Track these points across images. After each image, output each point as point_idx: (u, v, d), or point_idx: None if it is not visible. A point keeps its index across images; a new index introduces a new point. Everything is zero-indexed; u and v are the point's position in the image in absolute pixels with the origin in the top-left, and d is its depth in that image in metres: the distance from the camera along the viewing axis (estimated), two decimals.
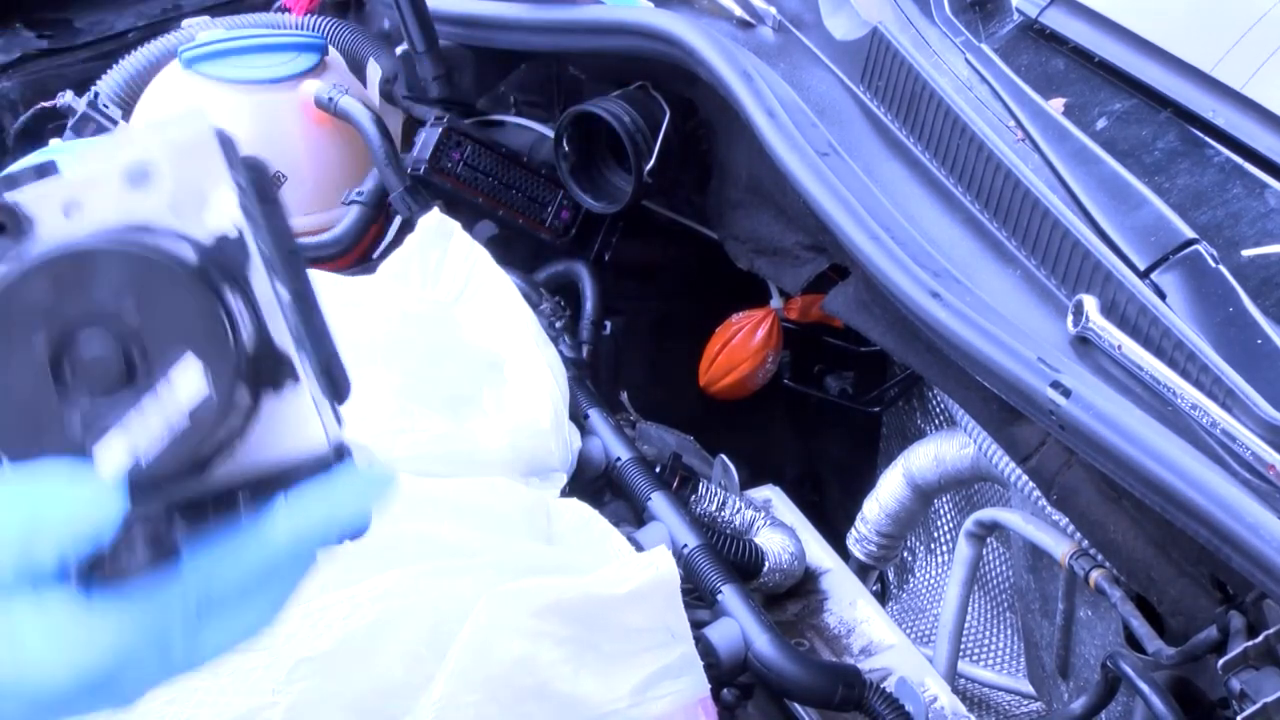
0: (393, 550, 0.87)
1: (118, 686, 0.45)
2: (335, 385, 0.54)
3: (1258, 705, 0.83)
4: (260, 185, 0.48)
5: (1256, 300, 0.95)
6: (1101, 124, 1.17)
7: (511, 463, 1.07)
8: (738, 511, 1.36)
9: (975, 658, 1.71)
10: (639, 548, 1.03)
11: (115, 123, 1.77)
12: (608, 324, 1.71)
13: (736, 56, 1.33)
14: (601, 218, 1.70)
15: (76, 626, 0.43)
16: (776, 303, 1.78)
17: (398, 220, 1.73)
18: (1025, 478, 1.17)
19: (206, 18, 2.00)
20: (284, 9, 2.01)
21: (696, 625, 0.99)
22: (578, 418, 1.25)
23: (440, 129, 1.61)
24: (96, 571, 0.43)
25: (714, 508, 1.35)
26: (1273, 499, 0.83)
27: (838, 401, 1.88)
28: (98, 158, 0.46)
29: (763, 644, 1.03)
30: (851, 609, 1.32)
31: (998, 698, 1.62)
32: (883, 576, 1.84)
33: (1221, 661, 0.87)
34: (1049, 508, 1.17)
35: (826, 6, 1.42)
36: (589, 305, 1.63)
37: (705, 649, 0.99)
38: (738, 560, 1.26)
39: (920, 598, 1.86)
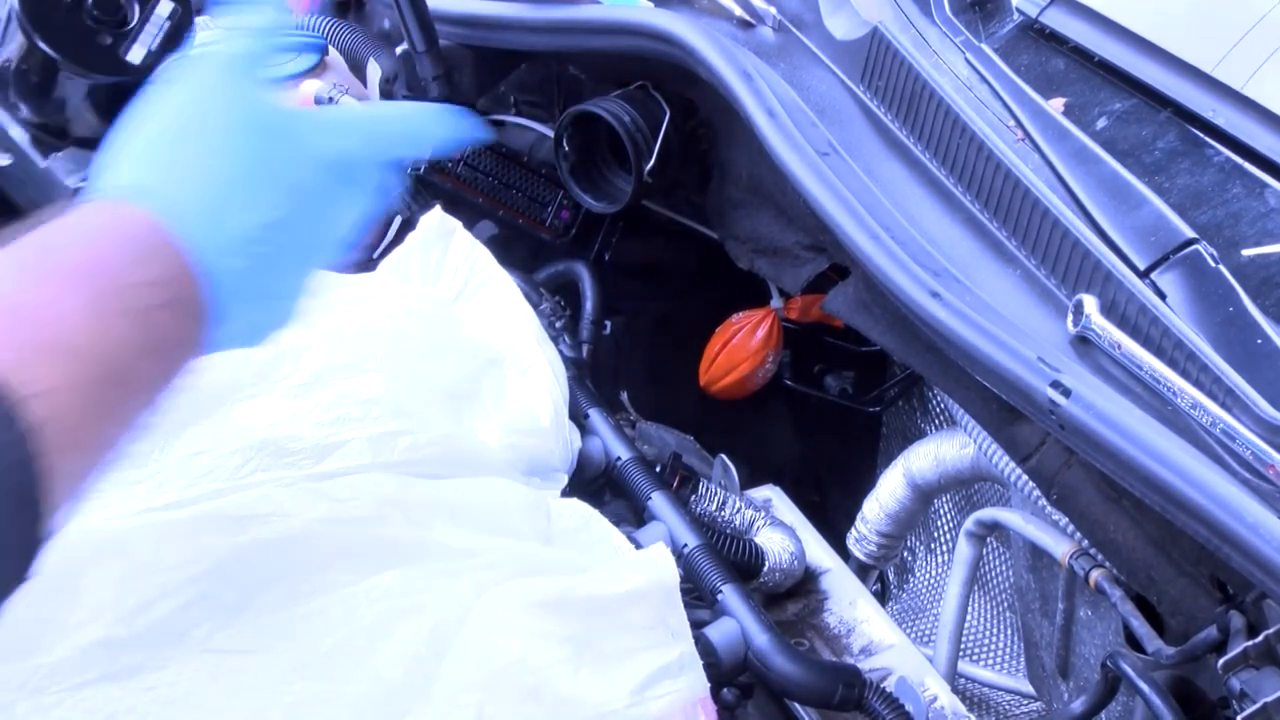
0: (392, 550, 0.87)
1: None
2: None
3: (1258, 705, 0.83)
4: None
5: (1256, 300, 0.95)
6: (1101, 124, 1.17)
7: (511, 462, 1.07)
8: (738, 511, 1.36)
9: (975, 658, 1.71)
10: (639, 547, 1.03)
11: None
12: (608, 324, 1.71)
13: (736, 56, 1.33)
14: (601, 218, 1.70)
15: None
16: (776, 303, 1.78)
17: (398, 220, 1.73)
18: (1025, 478, 1.18)
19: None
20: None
21: (696, 625, 0.99)
22: (578, 417, 1.25)
23: None
24: None
25: (714, 507, 1.35)
26: (1273, 499, 0.83)
27: (838, 401, 1.88)
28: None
29: (763, 644, 1.03)
30: (851, 609, 1.32)
31: (998, 698, 1.62)
32: (883, 576, 1.84)
33: (1221, 661, 0.87)
34: (1049, 507, 1.17)
35: (826, 6, 1.42)
36: (589, 305, 1.63)
37: (705, 648, 0.99)
38: (738, 560, 1.26)
39: (920, 598, 1.86)
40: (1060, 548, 1.22)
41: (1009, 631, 1.72)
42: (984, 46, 1.30)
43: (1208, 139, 1.11)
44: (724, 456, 1.51)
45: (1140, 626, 1.08)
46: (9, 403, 0.50)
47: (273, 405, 0.96)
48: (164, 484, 0.89)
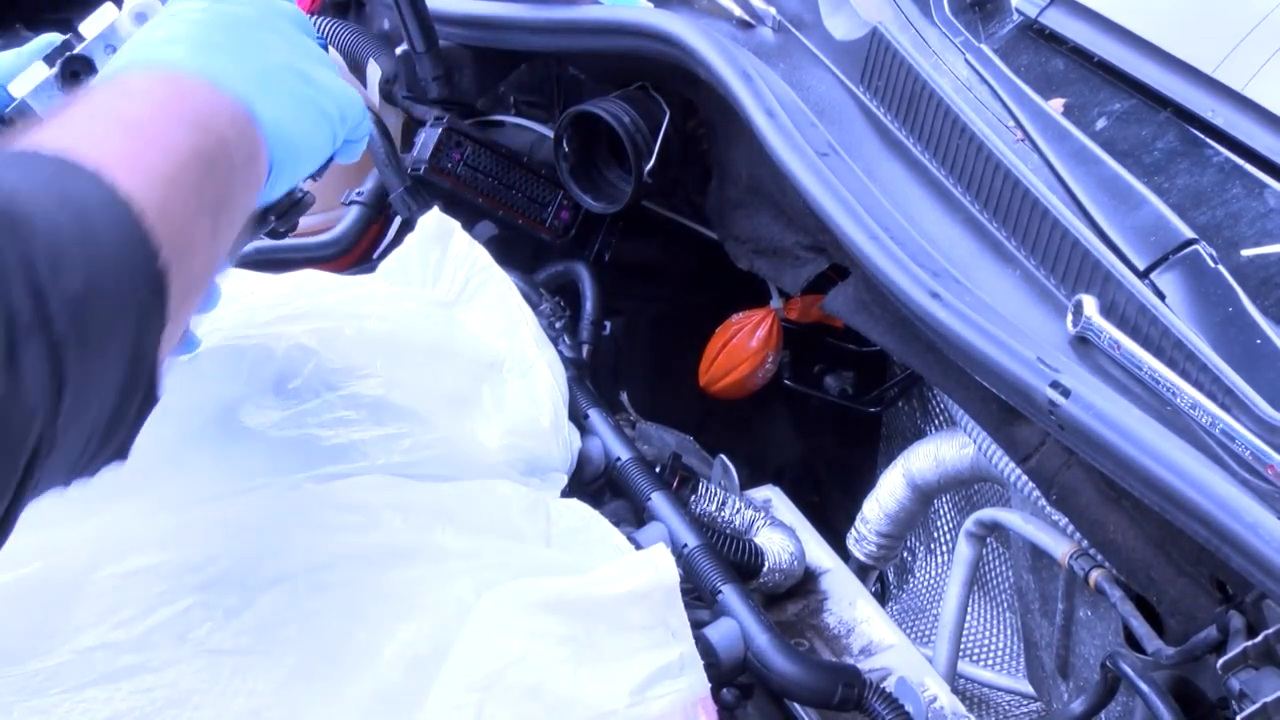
0: (392, 552, 0.87)
1: None
2: None
3: (1257, 705, 0.83)
4: None
5: (1256, 300, 0.95)
6: (1101, 124, 1.17)
7: (511, 463, 1.07)
8: (737, 511, 1.36)
9: (975, 658, 1.71)
10: (639, 548, 1.03)
11: None
12: (608, 324, 1.71)
13: (736, 56, 1.33)
14: (601, 218, 1.70)
15: None
16: (776, 303, 1.78)
17: (397, 220, 1.74)
18: (1025, 478, 1.18)
19: None
20: None
21: (696, 625, 0.99)
22: (578, 418, 1.25)
23: (440, 129, 1.61)
24: None
25: (714, 508, 1.35)
26: (1272, 499, 0.83)
27: (838, 401, 1.88)
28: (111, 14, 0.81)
29: (762, 644, 1.03)
30: (851, 609, 1.32)
31: (998, 698, 1.62)
32: (883, 576, 1.84)
33: (1221, 661, 0.87)
34: (1049, 508, 1.17)
35: (826, 7, 1.42)
36: (589, 305, 1.63)
37: (705, 649, 0.99)
38: (737, 560, 1.26)
39: (920, 598, 1.86)
40: (1060, 548, 1.22)
41: (1009, 632, 1.72)
42: (983, 47, 1.30)
43: (1207, 139, 1.11)
44: (724, 457, 1.51)
45: (1140, 626, 1.08)
46: (129, 208, 0.56)
47: (273, 408, 0.96)
48: (165, 486, 0.89)
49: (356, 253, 1.73)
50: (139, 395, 0.59)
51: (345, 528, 0.88)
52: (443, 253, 1.28)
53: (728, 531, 1.31)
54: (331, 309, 1.06)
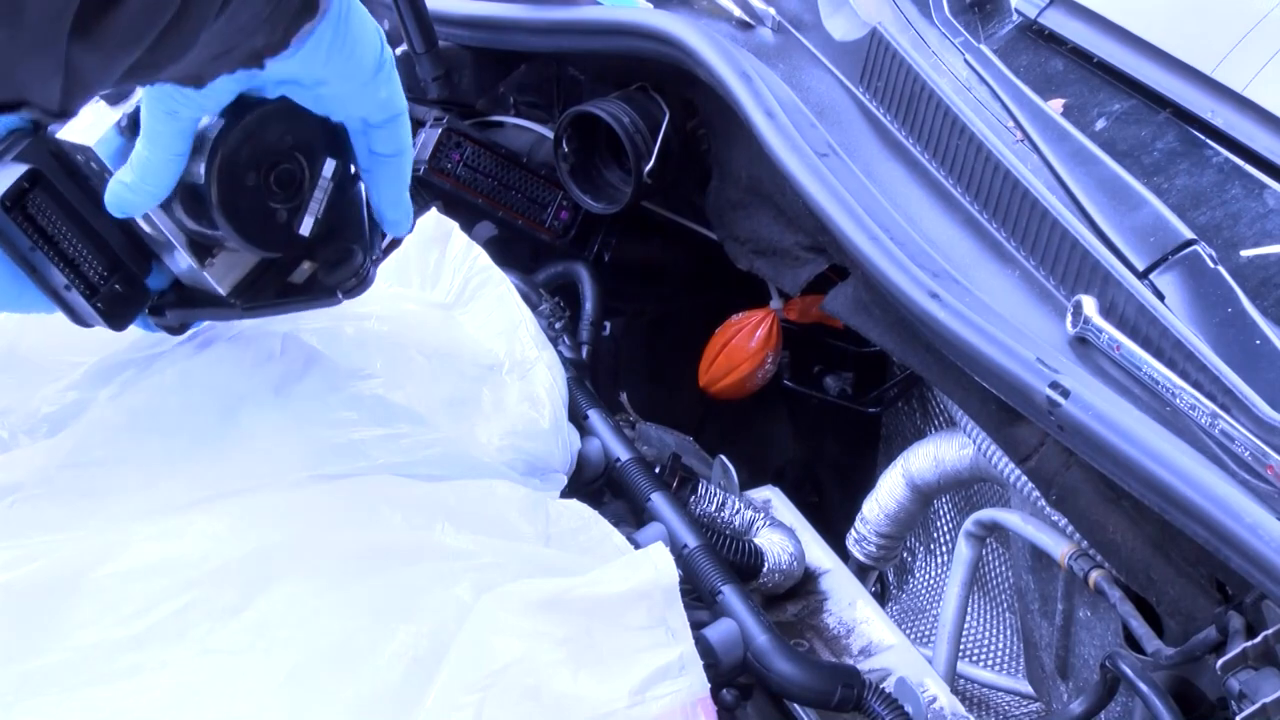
0: (392, 552, 0.87)
1: None
2: None
3: (1256, 705, 0.83)
4: None
5: (1255, 301, 0.95)
6: (1100, 124, 1.17)
7: (511, 464, 1.07)
8: (737, 512, 1.36)
9: (975, 658, 1.71)
10: (638, 548, 1.02)
11: None
12: (607, 324, 1.71)
13: (735, 57, 1.33)
14: (601, 218, 1.70)
15: None
16: (776, 303, 1.78)
17: None
18: (1024, 478, 1.18)
19: None
20: None
21: (696, 625, 0.99)
22: (577, 418, 1.25)
23: (440, 130, 1.61)
24: None
25: (713, 508, 1.35)
26: (1272, 499, 0.83)
27: (837, 402, 1.88)
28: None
29: (762, 644, 1.03)
30: (851, 609, 1.32)
31: (997, 698, 1.62)
32: (882, 577, 1.84)
33: (1220, 662, 0.87)
34: (1048, 508, 1.17)
35: (826, 7, 1.42)
36: (588, 306, 1.63)
37: (704, 649, 0.99)
38: (737, 561, 1.26)
39: (920, 598, 1.86)
40: (1059, 548, 1.22)
41: (1008, 632, 1.72)
42: (983, 47, 1.30)
43: (1207, 140, 1.11)
44: (723, 457, 1.51)
45: (1139, 627, 1.08)
46: None
47: (273, 408, 0.96)
48: (165, 486, 0.89)
49: None
50: None
51: (345, 527, 0.88)
52: (441, 254, 1.28)
53: (727, 532, 1.31)
54: (331, 310, 1.06)
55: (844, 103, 1.33)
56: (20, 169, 0.80)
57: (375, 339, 1.06)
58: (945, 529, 1.85)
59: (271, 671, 0.78)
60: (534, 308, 1.37)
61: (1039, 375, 0.95)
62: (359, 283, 0.92)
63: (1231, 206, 1.04)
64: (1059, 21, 1.28)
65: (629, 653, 0.82)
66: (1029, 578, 1.45)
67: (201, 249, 0.86)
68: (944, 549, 1.85)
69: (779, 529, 1.35)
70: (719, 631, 1.03)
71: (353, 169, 0.88)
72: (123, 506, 0.86)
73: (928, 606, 1.83)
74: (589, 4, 1.56)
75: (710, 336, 1.78)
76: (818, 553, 1.38)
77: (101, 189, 0.81)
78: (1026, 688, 1.58)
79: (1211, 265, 0.98)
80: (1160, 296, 0.98)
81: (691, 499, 1.34)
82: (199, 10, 0.55)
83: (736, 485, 1.48)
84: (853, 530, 1.62)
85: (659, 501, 1.19)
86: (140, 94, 0.79)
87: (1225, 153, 1.09)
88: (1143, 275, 1.00)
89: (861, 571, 1.62)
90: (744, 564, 1.27)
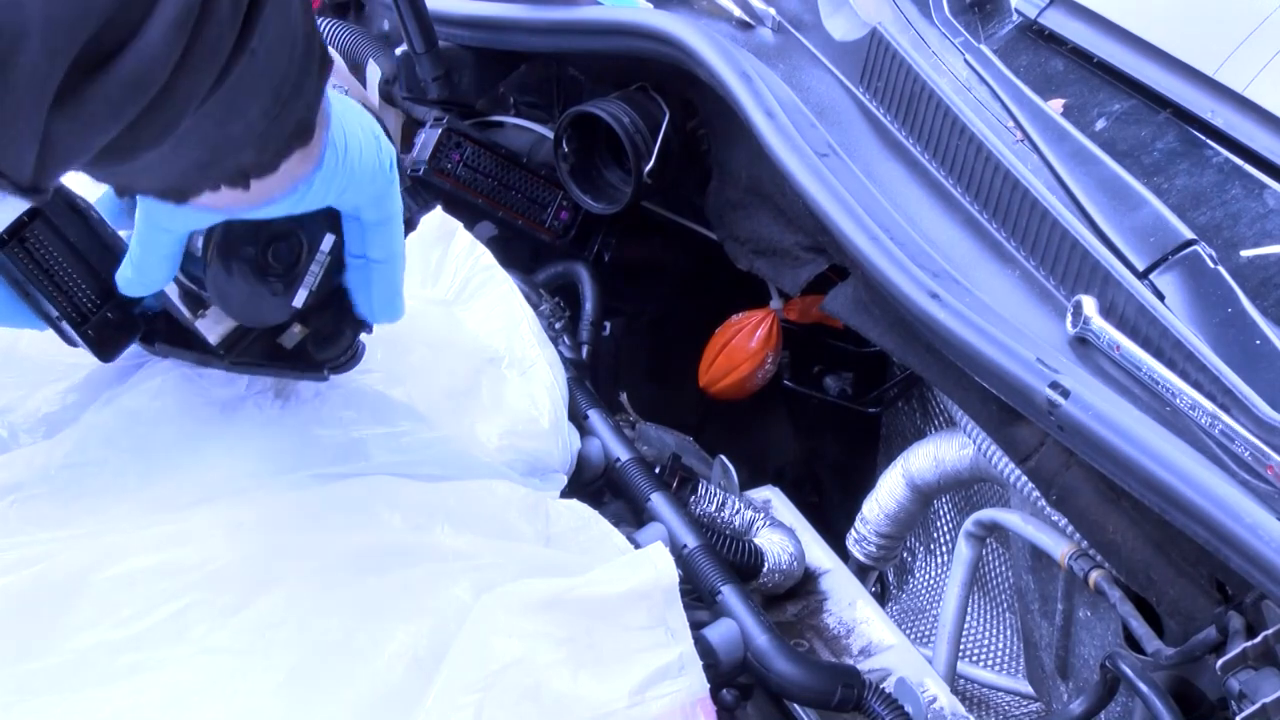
0: (391, 552, 0.87)
1: None
2: None
3: (1256, 706, 0.83)
4: None
5: (1255, 301, 0.95)
6: (1100, 124, 1.17)
7: (511, 463, 1.07)
8: (737, 512, 1.36)
9: (975, 658, 1.71)
10: (638, 548, 1.02)
11: None
12: (607, 324, 1.71)
13: (735, 57, 1.33)
14: (601, 218, 1.70)
15: None
16: (776, 303, 1.78)
17: None
18: (1024, 478, 1.18)
19: None
20: None
21: (696, 625, 0.99)
22: (577, 418, 1.25)
23: (440, 130, 1.61)
24: None
25: (713, 508, 1.35)
26: (1272, 499, 0.83)
27: (837, 402, 1.88)
28: None
29: (762, 644, 1.03)
30: (851, 610, 1.32)
31: (998, 698, 1.62)
32: (882, 577, 1.84)
33: (1220, 662, 0.87)
34: (1048, 508, 1.17)
35: (826, 7, 1.42)
36: (589, 306, 1.63)
37: (704, 649, 0.99)
38: (737, 561, 1.26)
39: (920, 598, 1.86)
40: (1059, 548, 1.22)
41: (1009, 632, 1.72)
42: (983, 47, 1.30)
43: (1207, 140, 1.11)
44: (723, 457, 1.51)
45: (1139, 627, 1.08)
46: None
47: (273, 407, 0.96)
48: (164, 486, 0.89)
49: None
50: (318, 45, 0.62)
51: (344, 527, 0.88)
52: (444, 252, 1.28)
53: (727, 532, 1.31)
54: None
55: (844, 103, 1.33)
56: (23, 204, 0.81)
57: (375, 336, 1.06)
58: (945, 529, 1.85)
59: (271, 671, 0.78)
60: (534, 308, 1.37)
61: (1039, 375, 0.95)
62: (349, 360, 0.93)
63: (1231, 207, 1.04)
64: (1059, 21, 1.28)
65: (629, 653, 0.82)
66: (1029, 578, 1.45)
67: (195, 301, 0.87)
68: (944, 549, 1.85)
69: (779, 529, 1.35)
70: (719, 631, 1.03)
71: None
72: (122, 506, 0.86)
73: (928, 606, 1.83)
74: (589, 4, 1.56)
75: (710, 336, 1.78)
76: (818, 553, 1.38)
77: (102, 230, 0.84)
78: (1026, 688, 1.58)
79: (1211, 265, 0.98)
80: (1160, 296, 0.98)
81: (691, 499, 1.34)
82: (185, 91, 0.52)
83: (736, 485, 1.48)
84: (853, 530, 1.62)
85: (659, 501, 1.19)
86: None
87: (1225, 153, 1.09)
88: (1143, 275, 1.00)
89: (861, 571, 1.62)
90: (744, 564, 1.27)
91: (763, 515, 1.37)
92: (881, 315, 1.27)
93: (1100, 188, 1.08)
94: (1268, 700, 0.82)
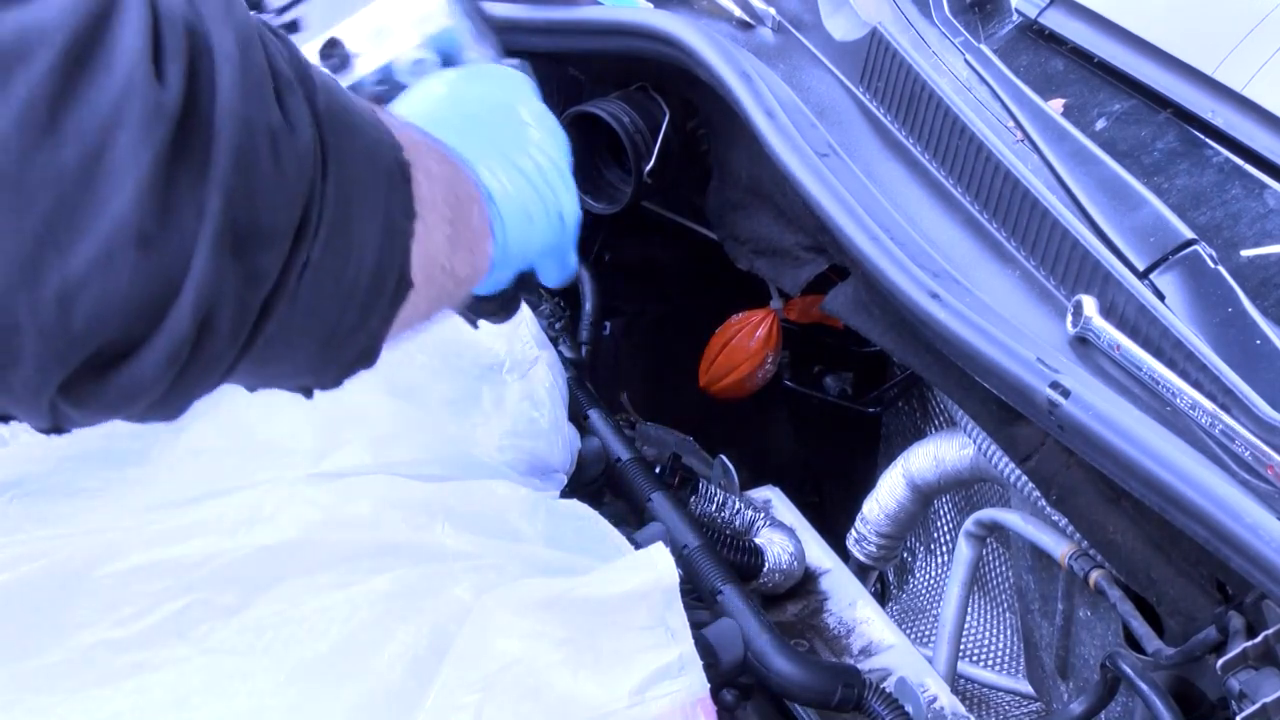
0: (392, 552, 0.87)
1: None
2: None
3: (1257, 705, 0.83)
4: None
5: (1255, 301, 0.95)
6: (1101, 124, 1.17)
7: (511, 464, 1.07)
8: (737, 512, 1.36)
9: (975, 658, 1.71)
10: (639, 548, 1.03)
11: None
12: (607, 324, 1.71)
13: (736, 57, 1.33)
14: (601, 218, 1.70)
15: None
16: (776, 303, 1.78)
17: None
18: (1025, 478, 1.18)
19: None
20: None
21: (696, 625, 0.99)
22: (577, 418, 1.25)
23: None
24: None
25: (714, 508, 1.35)
26: (1272, 499, 0.83)
27: (838, 402, 1.88)
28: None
29: (762, 644, 1.03)
30: (851, 609, 1.32)
31: (998, 698, 1.62)
32: (882, 577, 1.84)
33: (1221, 662, 0.87)
34: (1049, 508, 1.17)
35: (826, 7, 1.42)
36: (589, 305, 1.63)
37: (704, 649, 0.99)
38: (737, 561, 1.26)
39: (920, 598, 1.86)
40: (1060, 548, 1.22)
41: (1009, 632, 1.72)
42: (983, 47, 1.30)
43: (1207, 140, 1.11)
44: (724, 457, 1.51)
45: (1140, 627, 1.08)
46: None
47: (273, 407, 0.96)
48: (164, 484, 0.89)
49: None
50: (394, 273, 0.58)
51: (345, 527, 0.88)
52: None
53: (727, 532, 1.31)
54: None
55: (844, 103, 1.33)
56: None
57: None
58: (945, 529, 1.85)
59: (271, 671, 0.78)
60: (534, 308, 1.37)
61: (1039, 375, 0.95)
62: (508, 315, 0.89)
63: (1232, 206, 1.04)
64: (1059, 21, 1.28)
65: (629, 653, 0.82)
66: (1029, 578, 1.45)
67: None
68: (944, 549, 1.85)
69: (779, 529, 1.35)
70: (719, 631, 1.03)
71: None
72: (123, 503, 0.86)
73: (928, 606, 1.83)
74: (589, 4, 1.56)
75: (710, 336, 1.78)
76: (818, 553, 1.38)
77: None
78: (1027, 688, 1.58)
79: (1212, 265, 0.98)
80: (1160, 296, 0.98)
81: (692, 499, 1.34)
82: (196, 384, 0.51)
83: (736, 485, 1.48)
84: (853, 530, 1.62)
85: (659, 501, 1.19)
86: None
87: (1225, 153, 1.09)
88: (1143, 275, 1.00)
89: (862, 571, 1.62)
90: (744, 564, 1.27)
91: (763, 515, 1.37)
92: (881, 315, 1.27)
93: (1100, 188, 1.08)
94: (1268, 700, 0.82)
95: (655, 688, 0.81)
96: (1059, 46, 1.27)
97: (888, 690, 1.06)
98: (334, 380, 0.63)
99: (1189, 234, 1.01)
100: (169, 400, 0.51)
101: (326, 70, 0.70)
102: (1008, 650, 1.71)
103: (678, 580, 0.87)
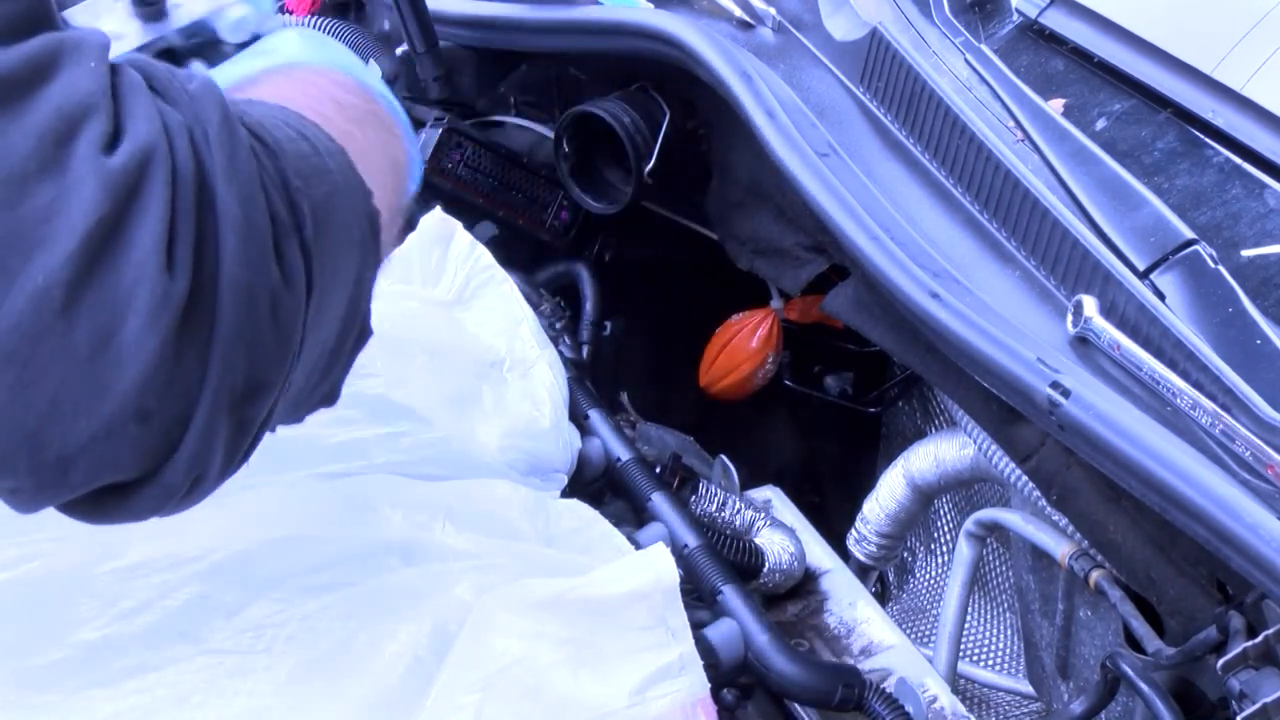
0: (392, 552, 0.87)
1: None
2: None
3: (1257, 705, 0.83)
4: None
5: (1256, 300, 0.95)
6: (1101, 124, 1.17)
7: (512, 463, 1.07)
8: (738, 512, 1.36)
9: (975, 658, 1.71)
10: (639, 548, 1.03)
11: None
12: (608, 324, 1.71)
13: (736, 57, 1.33)
14: (601, 218, 1.70)
15: None
16: (776, 303, 1.78)
17: None
18: (1025, 478, 1.18)
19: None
20: (285, 10, 2.01)
21: (696, 625, 0.99)
22: (578, 418, 1.25)
23: (440, 130, 1.61)
24: None
25: (714, 508, 1.35)
26: (1272, 499, 0.83)
27: (838, 402, 1.88)
28: None
29: (762, 644, 1.03)
30: (851, 609, 1.32)
31: (998, 698, 1.62)
32: (883, 577, 1.84)
33: (1221, 662, 0.87)
34: (1049, 508, 1.17)
35: (826, 7, 1.42)
36: (589, 305, 1.63)
37: (705, 649, 0.99)
38: (738, 560, 1.26)
39: (920, 598, 1.86)
40: (1060, 548, 1.22)
41: (1009, 632, 1.72)
42: (983, 47, 1.30)
43: (1207, 140, 1.11)
44: (724, 457, 1.51)
45: (1140, 627, 1.08)
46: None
47: None
48: None
49: None
50: (355, 329, 0.62)
51: (345, 527, 0.88)
52: (444, 252, 1.28)
53: (728, 532, 1.31)
54: None
55: (844, 103, 1.33)
56: None
57: (377, 336, 1.06)
58: (945, 529, 1.85)
59: (272, 671, 0.78)
60: (535, 308, 1.37)
61: (1039, 375, 0.95)
62: None
63: (1232, 206, 1.04)
64: (1059, 21, 1.28)
65: (629, 653, 0.82)
66: (1029, 578, 1.45)
67: None
68: (944, 549, 1.85)
69: (779, 529, 1.35)
70: (719, 631, 1.03)
71: None
72: None
73: (928, 606, 1.83)
74: (589, 4, 1.56)
75: (710, 336, 1.78)
76: (818, 553, 1.38)
77: None
78: (1027, 688, 1.58)
79: (1212, 265, 0.98)
80: (1161, 296, 0.98)
81: (692, 499, 1.34)
82: (192, 502, 0.57)
83: (737, 485, 1.48)
84: (853, 530, 1.62)
85: (659, 501, 1.19)
86: None
87: (1226, 152, 1.09)
88: (1143, 275, 1.00)
89: (862, 571, 1.62)
90: (744, 564, 1.27)
91: (763, 515, 1.37)
92: (882, 315, 1.27)
93: (1101, 187, 1.08)
94: (1268, 700, 0.82)
95: (655, 687, 0.81)
96: (1059, 46, 1.27)
97: (888, 690, 1.06)
98: (296, 420, 0.66)
99: (1189, 234, 1.01)
100: (162, 514, 0.56)
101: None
102: (1008, 650, 1.71)
103: (678, 580, 0.87)
